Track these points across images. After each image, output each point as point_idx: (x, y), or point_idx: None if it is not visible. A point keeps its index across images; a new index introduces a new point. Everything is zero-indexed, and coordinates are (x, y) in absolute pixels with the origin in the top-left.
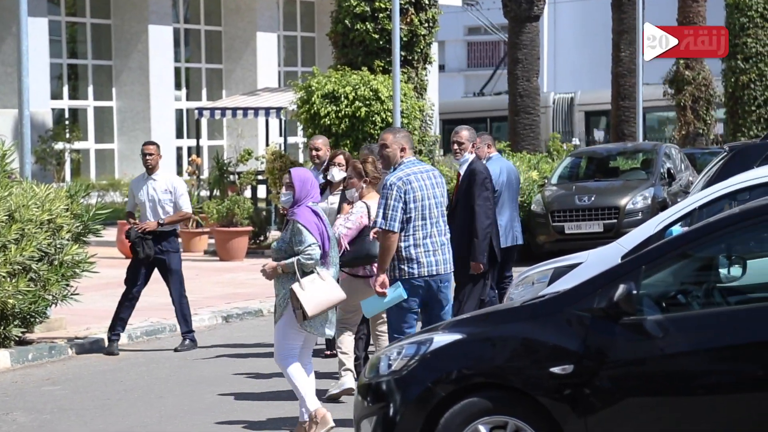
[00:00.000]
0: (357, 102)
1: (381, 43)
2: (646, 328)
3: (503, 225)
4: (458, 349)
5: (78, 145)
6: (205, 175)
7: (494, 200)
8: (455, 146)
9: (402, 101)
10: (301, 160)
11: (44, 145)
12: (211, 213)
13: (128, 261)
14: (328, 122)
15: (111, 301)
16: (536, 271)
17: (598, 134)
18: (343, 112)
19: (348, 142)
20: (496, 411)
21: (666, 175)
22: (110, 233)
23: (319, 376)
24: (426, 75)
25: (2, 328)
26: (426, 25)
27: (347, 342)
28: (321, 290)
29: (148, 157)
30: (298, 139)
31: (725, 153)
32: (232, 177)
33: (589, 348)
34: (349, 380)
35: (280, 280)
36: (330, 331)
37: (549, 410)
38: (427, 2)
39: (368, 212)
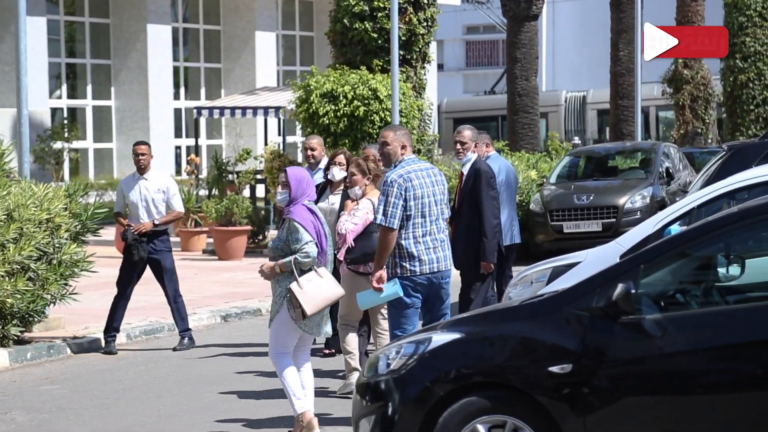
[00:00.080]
0: (356, 101)
1: (380, 42)
2: (645, 327)
3: (502, 224)
4: (457, 348)
5: (76, 144)
6: (204, 174)
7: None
8: (458, 146)
9: (401, 100)
10: (299, 159)
11: (43, 145)
12: (209, 212)
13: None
14: (327, 121)
15: (109, 300)
16: (535, 271)
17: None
18: (341, 112)
19: (347, 141)
20: (495, 410)
21: (665, 175)
22: (109, 232)
23: (318, 374)
24: (425, 74)
25: (1, 327)
26: (424, 24)
27: (352, 341)
28: (319, 288)
29: (140, 157)
30: (297, 138)
31: (724, 152)
32: (230, 176)
33: (587, 347)
34: (356, 380)
35: (277, 279)
36: (328, 329)
37: (548, 409)
38: (425, 1)
39: (374, 208)
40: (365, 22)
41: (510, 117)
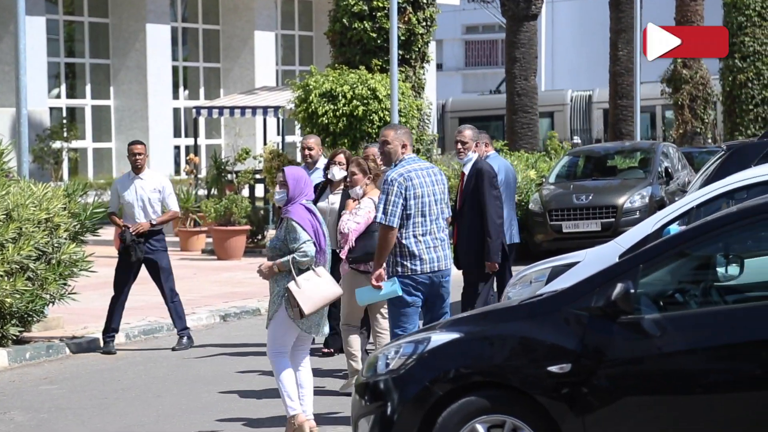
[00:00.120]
0: (355, 101)
1: (379, 41)
2: (644, 326)
3: None
4: (456, 348)
5: (76, 144)
6: (203, 174)
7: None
8: (459, 145)
9: (400, 100)
10: (299, 159)
11: (42, 144)
12: (208, 212)
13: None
14: (326, 121)
15: (109, 300)
16: (534, 270)
17: None
18: (340, 111)
19: (346, 141)
20: (494, 410)
21: (664, 174)
22: (108, 232)
23: (317, 374)
24: (424, 74)
25: (0, 327)
26: (424, 23)
27: (355, 343)
28: (317, 288)
29: (138, 157)
30: (296, 138)
31: (723, 152)
32: (229, 176)
33: (586, 347)
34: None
35: (275, 278)
36: (326, 329)
37: (547, 409)
38: (424, 1)
39: (375, 207)
40: (364, 22)
41: (509, 116)
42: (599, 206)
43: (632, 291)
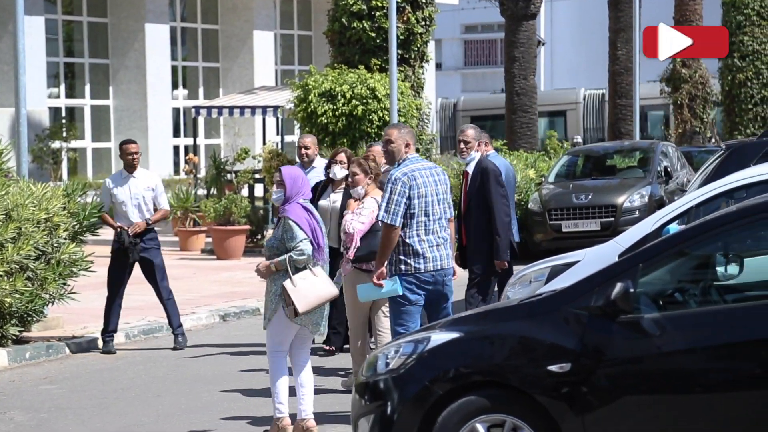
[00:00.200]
0: (354, 100)
1: (378, 41)
2: (644, 326)
3: None
4: (456, 347)
5: (75, 143)
6: (202, 173)
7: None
8: (461, 145)
9: (399, 99)
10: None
11: (41, 144)
12: (208, 212)
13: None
14: (325, 121)
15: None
16: (533, 270)
17: None
18: (340, 111)
19: (345, 140)
20: (494, 409)
21: (663, 174)
22: (107, 232)
23: (317, 373)
24: (423, 73)
25: (0, 326)
26: (423, 23)
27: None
28: (314, 287)
29: (135, 156)
30: (295, 137)
31: (722, 151)
32: (229, 176)
33: (586, 346)
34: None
35: (272, 278)
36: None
37: (546, 408)
38: (423, 0)
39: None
40: (363, 22)
41: (508, 116)
42: (598, 205)
43: (632, 290)
